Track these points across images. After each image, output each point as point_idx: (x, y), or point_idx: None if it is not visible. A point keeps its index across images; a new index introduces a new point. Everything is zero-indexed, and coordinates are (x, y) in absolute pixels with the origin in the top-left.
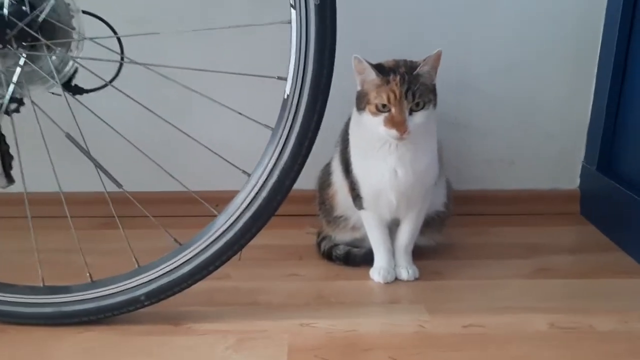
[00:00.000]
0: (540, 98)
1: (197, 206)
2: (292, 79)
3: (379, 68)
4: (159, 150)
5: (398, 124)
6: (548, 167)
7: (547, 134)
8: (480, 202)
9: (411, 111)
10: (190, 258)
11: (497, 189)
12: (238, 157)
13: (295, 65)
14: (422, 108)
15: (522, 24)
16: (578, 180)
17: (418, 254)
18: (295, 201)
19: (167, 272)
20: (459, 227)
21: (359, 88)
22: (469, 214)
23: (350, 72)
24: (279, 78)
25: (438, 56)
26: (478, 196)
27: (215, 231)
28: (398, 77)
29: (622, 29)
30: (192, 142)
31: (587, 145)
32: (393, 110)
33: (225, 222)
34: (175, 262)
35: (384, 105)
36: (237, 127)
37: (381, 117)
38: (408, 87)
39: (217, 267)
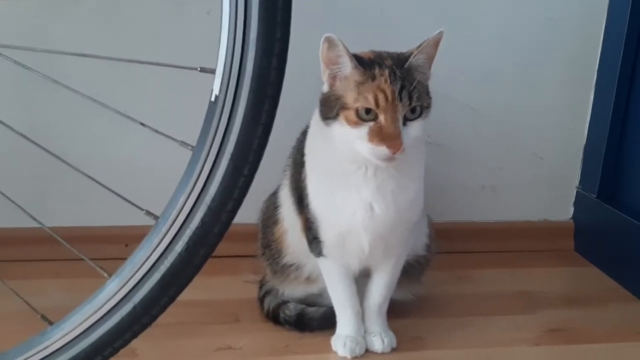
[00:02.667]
0: (527, 111)
1: (98, 248)
2: (224, 72)
3: (357, 60)
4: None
5: (390, 138)
6: (535, 194)
7: (534, 154)
8: (457, 236)
9: (405, 120)
10: (64, 345)
11: (475, 220)
12: (155, 183)
13: (227, 50)
14: (419, 115)
15: (506, 23)
16: (571, 210)
17: (392, 311)
18: (229, 238)
19: None
20: (435, 269)
21: (326, 88)
22: (445, 251)
23: (311, 65)
24: (202, 70)
25: (437, 40)
26: (454, 229)
27: (104, 304)
28: (387, 71)
29: (631, 33)
30: (92, 163)
31: (583, 168)
32: (382, 118)
33: (120, 290)
34: (40, 351)
35: (368, 111)
36: (150, 142)
37: (364, 129)
38: (402, 85)
39: (106, 358)
